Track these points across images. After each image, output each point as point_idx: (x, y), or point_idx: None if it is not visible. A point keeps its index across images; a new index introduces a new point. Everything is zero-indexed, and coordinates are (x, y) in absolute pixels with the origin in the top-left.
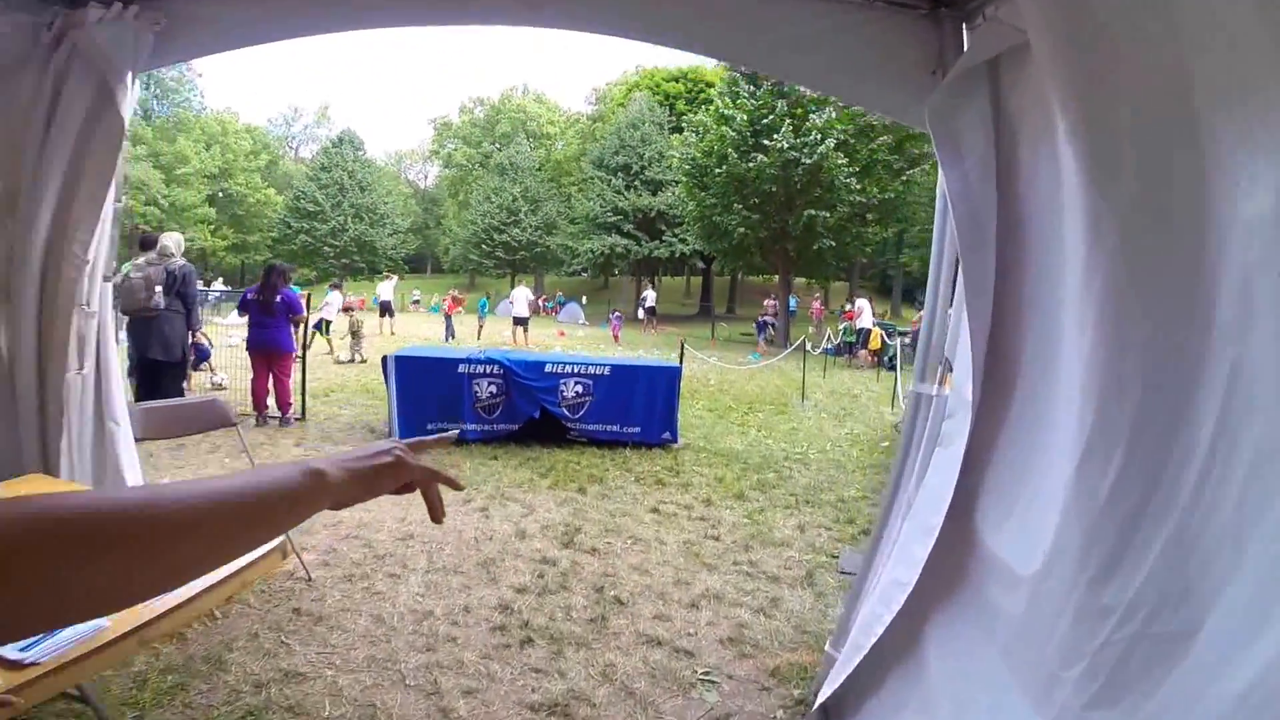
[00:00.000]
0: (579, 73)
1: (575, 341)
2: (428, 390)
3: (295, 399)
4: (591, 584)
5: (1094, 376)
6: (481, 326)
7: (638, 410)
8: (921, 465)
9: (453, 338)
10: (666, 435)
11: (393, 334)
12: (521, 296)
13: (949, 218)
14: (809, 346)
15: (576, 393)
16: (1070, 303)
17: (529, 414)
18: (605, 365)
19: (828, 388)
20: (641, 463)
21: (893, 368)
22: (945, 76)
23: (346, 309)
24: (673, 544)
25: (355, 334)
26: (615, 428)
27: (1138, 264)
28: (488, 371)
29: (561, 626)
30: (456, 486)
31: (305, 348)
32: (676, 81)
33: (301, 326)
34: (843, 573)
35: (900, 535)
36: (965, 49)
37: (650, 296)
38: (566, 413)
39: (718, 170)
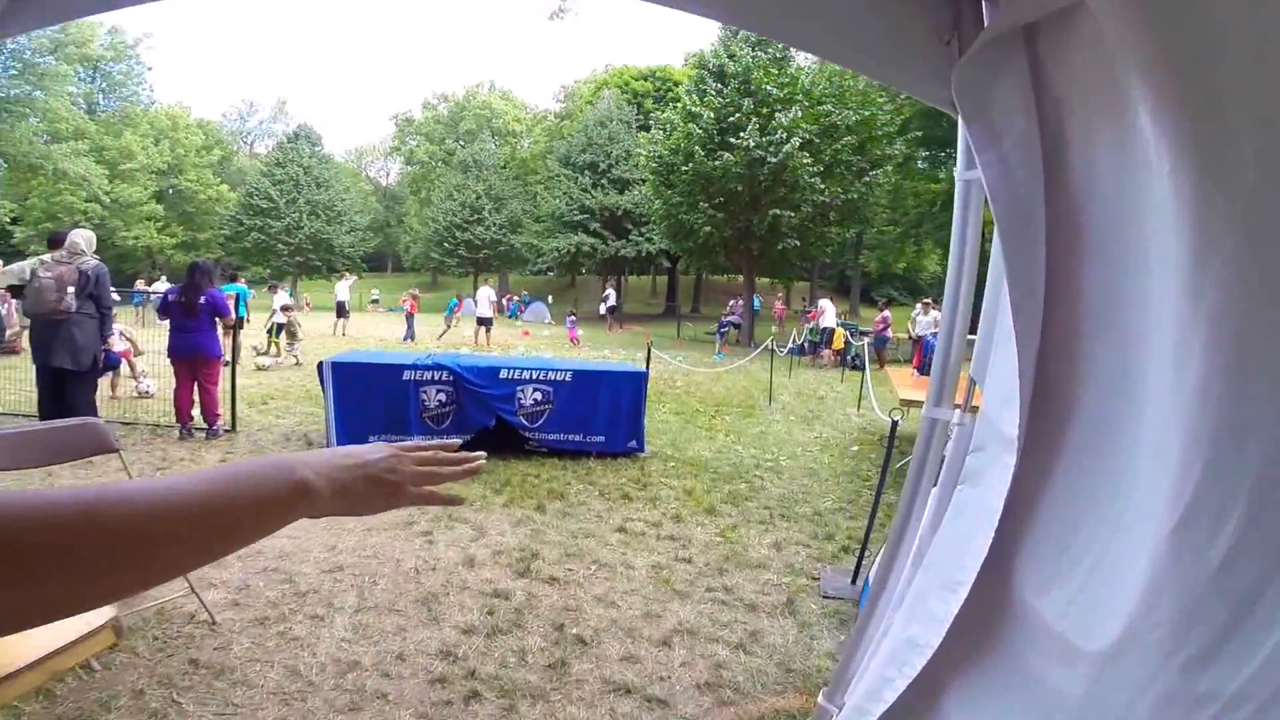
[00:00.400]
0: (547, 70)
1: (540, 341)
2: (370, 399)
3: (225, 409)
4: (550, 620)
5: (1204, 416)
6: (450, 327)
7: (602, 418)
8: (937, 504)
9: (412, 339)
10: (633, 444)
11: (344, 335)
12: (484, 296)
13: (970, 211)
14: (774, 346)
15: (535, 400)
16: (1163, 320)
17: (483, 423)
18: (566, 370)
19: (794, 389)
20: (606, 475)
21: (856, 367)
22: (960, 45)
23: (285, 309)
24: (641, 569)
25: (292, 335)
26: (578, 437)
27: (1269, 274)
28: (436, 378)
29: (514, 675)
30: (457, 503)
31: (235, 352)
32: (645, 80)
33: (232, 329)
34: (825, 596)
35: (914, 586)
36: (985, 13)
37: (611, 296)
38: (524, 422)
39: (684, 168)
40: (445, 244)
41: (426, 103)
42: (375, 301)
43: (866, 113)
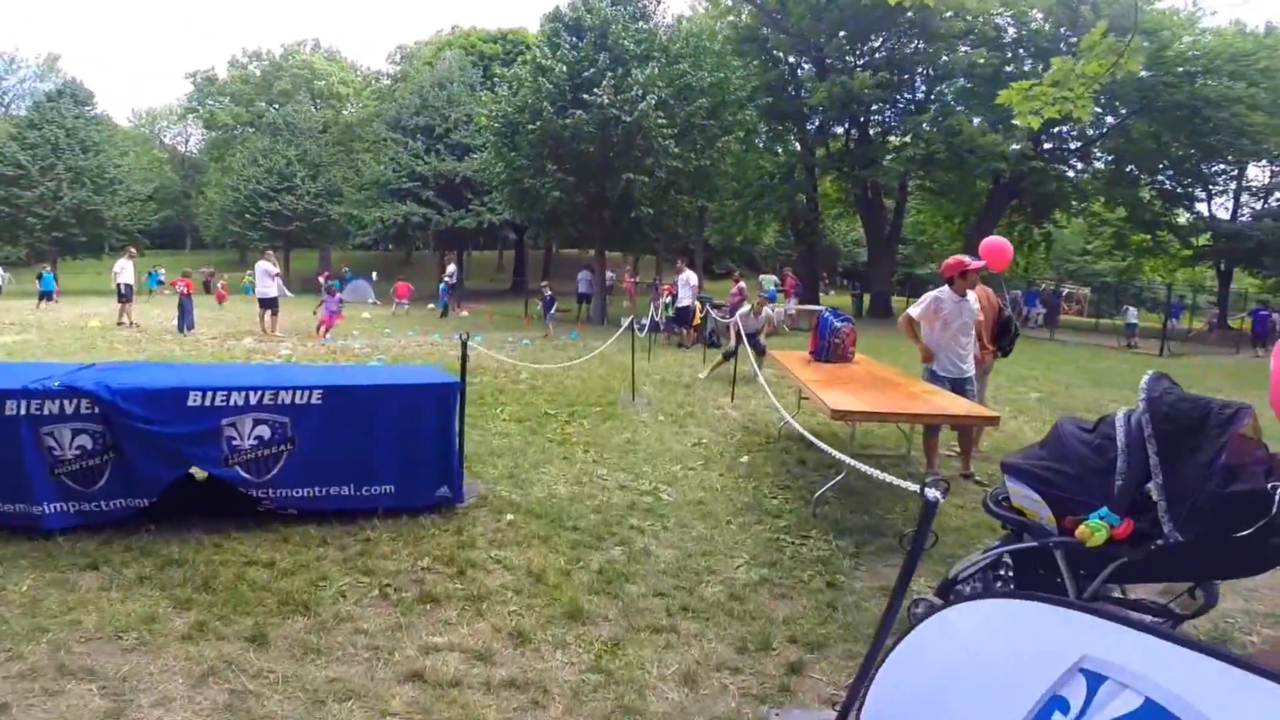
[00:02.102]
0: (384, 32)
1: (353, 324)
2: None
3: None
4: None
5: None
6: (270, 317)
7: (387, 457)
8: None
9: (190, 328)
10: (443, 492)
11: (134, 325)
12: (262, 272)
13: None
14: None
15: (260, 438)
16: None
17: (164, 478)
18: (314, 387)
19: (656, 375)
20: (396, 552)
21: (714, 344)
22: None
23: None
24: None
25: None
26: (345, 490)
27: None
28: (71, 411)
29: None
30: None
31: None
32: (495, 43)
33: None
34: None
35: None
36: None
37: (452, 271)
38: (243, 474)
39: (531, 127)
40: (247, 215)
41: (234, 60)
42: (160, 283)
43: (721, 75)
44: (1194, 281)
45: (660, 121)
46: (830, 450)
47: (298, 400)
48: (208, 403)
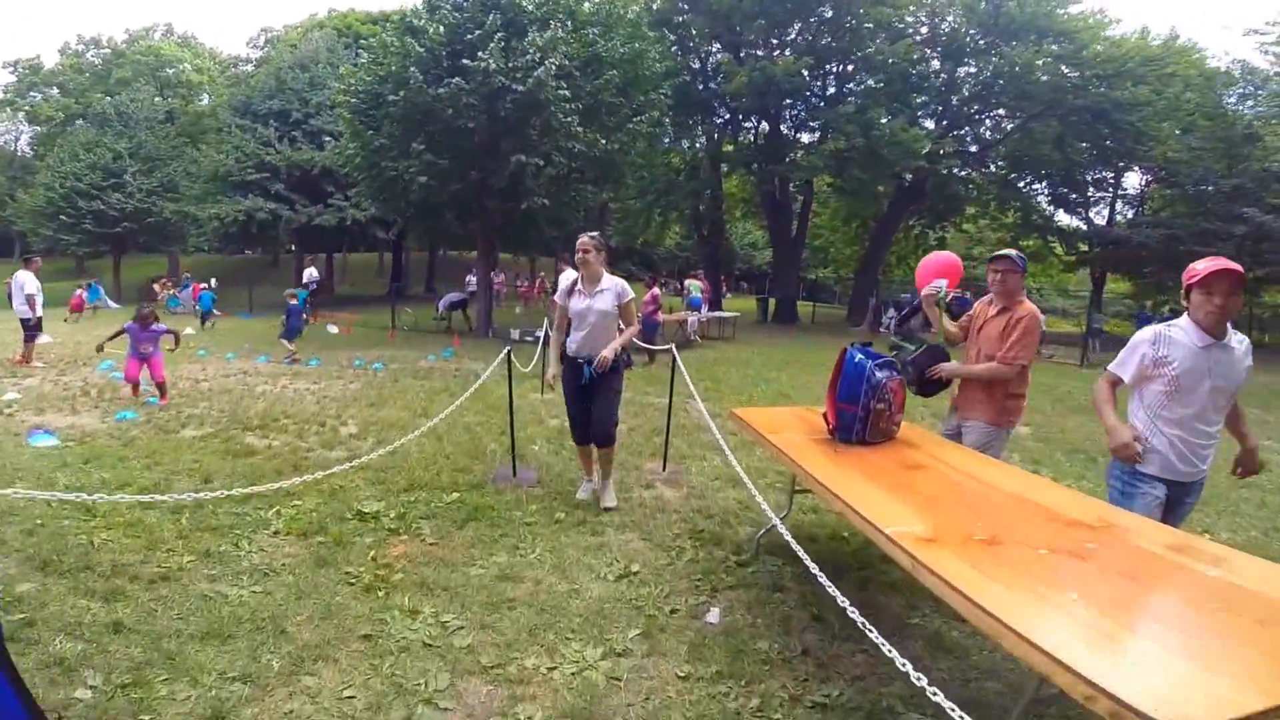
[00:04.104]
0: (256, 17)
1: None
2: None
3: None
4: None
5: None
6: (26, 343)
7: None
8: None
9: None
10: None
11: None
12: (19, 286)
13: None
14: (522, 339)
15: None
16: None
17: None
18: None
19: (552, 419)
20: None
21: (625, 364)
22: None
23: None
24: None
25: None
26: None
27: None
28: None
29: None
30: None
31: None
32: (375, 24)
33: None
34: None
35: None
36: None
37: (312, 275)
38: None
39: (393, 98)
40: (63, 216)
41: (66, 47)
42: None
43: (635, 46)
44: (1058, 287)
45: (563, 93)
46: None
47: None
48: None
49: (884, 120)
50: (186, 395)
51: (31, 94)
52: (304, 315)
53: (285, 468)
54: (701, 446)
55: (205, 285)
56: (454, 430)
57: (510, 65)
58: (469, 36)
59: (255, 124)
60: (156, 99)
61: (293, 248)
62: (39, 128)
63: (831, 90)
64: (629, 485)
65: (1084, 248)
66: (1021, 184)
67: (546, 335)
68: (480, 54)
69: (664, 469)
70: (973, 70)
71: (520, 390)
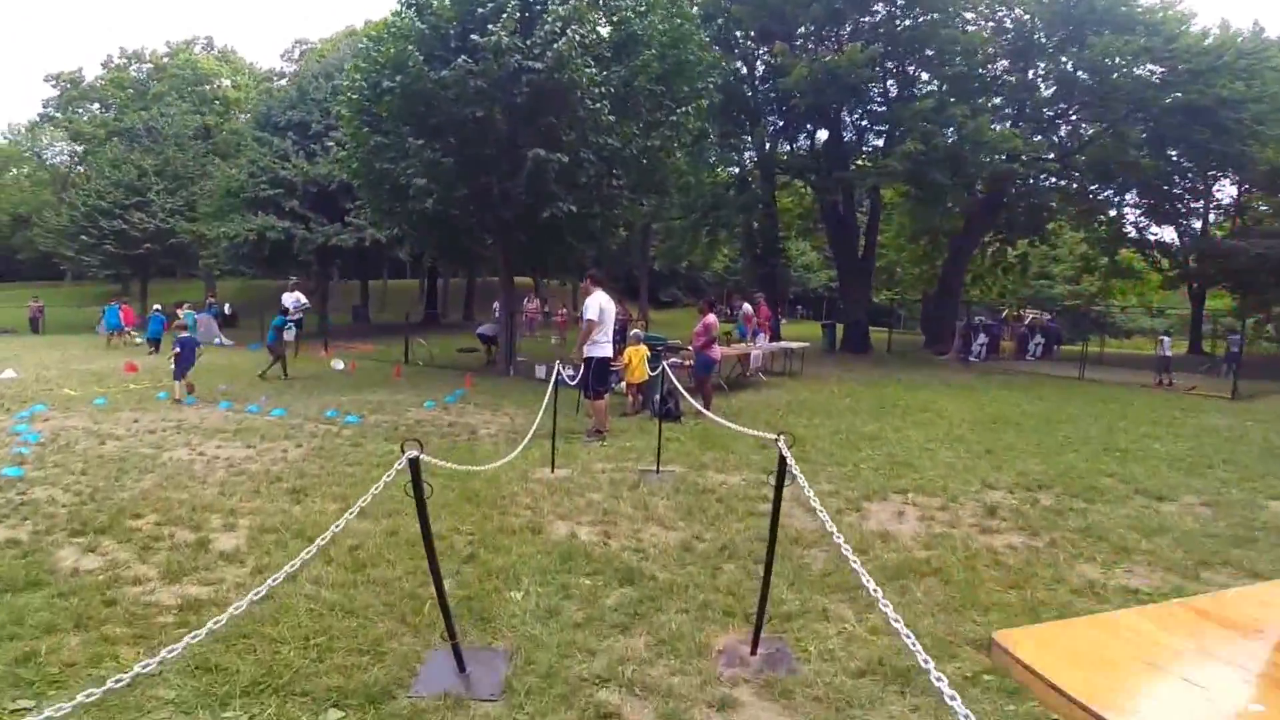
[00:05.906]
0: (292, 29)
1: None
2: None
3: None
4: None
5: None
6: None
7: None
8: None
9: None
10: None
11: None
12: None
13: None
14: (543, 374)
15: None
16: None
17: None
18: None
19: (572, 511)
20: None
21: (670, 414)
22: None
23: None
24: None
25: None
26: None
27: None
28: None
29: None
30: None
31: None
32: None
33: None
34: None
35: None
36: None
37: (296, 300)
38: None
39: (389, 84)
40: (84, 236)
41: (109, 61)
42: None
43: (679, 25)
44: (1151, 306)
45: (590, 72)
46: None
47: None
48: None
49: (966, 117)
50: (61, 464)
51: (73, 109)
52: (284, 340)
53: (61, 636)
54: (817, 584)
55: (199, 305)
56: (389, 547)
57: (527, 44)
58: (480, 10)
59: (274, 136)
60: (191, 115)
61: (332, 272)
62: (80, 145)
63: (894, 92)
64: (685, 695)
65: (1189, 261)
66: (1104, 194)
67: (559, 373)
68: (491, 27)
69: (754, 650)
70: (1045, 69)
71: (525, 462)
